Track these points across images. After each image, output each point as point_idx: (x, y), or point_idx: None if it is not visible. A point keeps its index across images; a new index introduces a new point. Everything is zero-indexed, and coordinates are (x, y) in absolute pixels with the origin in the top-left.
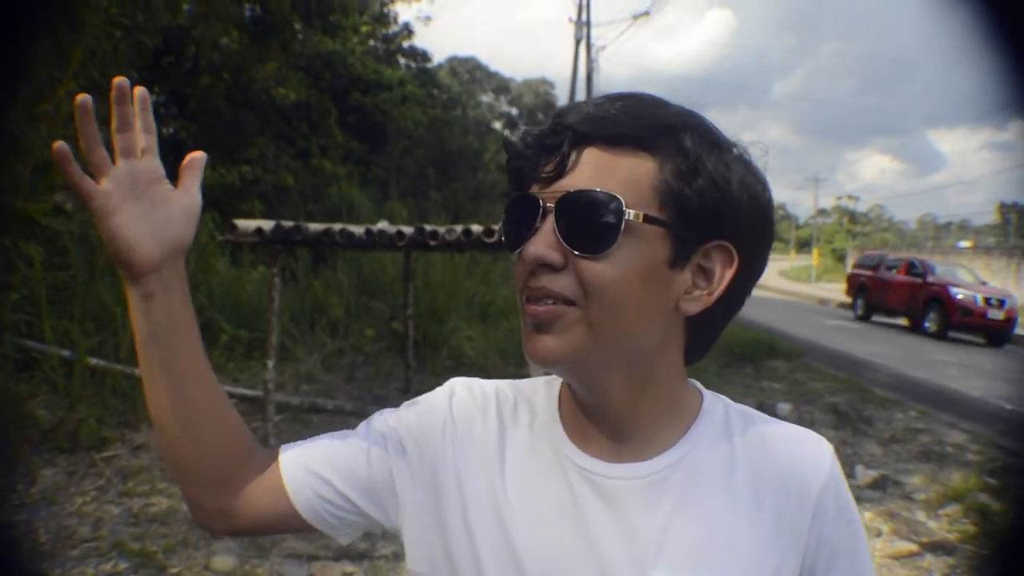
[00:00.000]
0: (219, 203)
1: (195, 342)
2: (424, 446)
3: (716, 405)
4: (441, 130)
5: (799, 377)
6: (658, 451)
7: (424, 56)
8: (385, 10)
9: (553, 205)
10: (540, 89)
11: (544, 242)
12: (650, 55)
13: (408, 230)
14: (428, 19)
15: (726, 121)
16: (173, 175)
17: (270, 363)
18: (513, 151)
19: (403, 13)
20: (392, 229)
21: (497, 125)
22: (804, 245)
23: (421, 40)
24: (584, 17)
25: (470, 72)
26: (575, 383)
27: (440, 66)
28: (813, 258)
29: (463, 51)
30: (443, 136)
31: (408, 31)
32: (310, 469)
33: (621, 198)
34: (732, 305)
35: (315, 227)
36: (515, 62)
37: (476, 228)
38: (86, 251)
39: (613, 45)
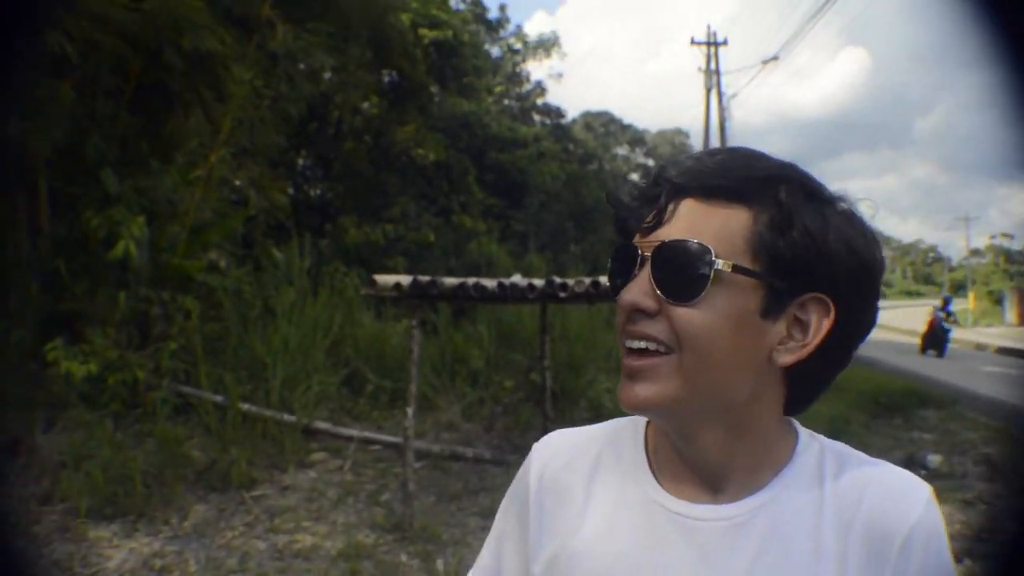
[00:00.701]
0: (364, 260)
1: None
2: (524, 525)
3: (811, 447)
4: (578, 184)
5: (951, 427)
6: (747, 494)
7: (558, 112)
8: (517, 69)
9: (650, 254)
10: (675, 140)
11: (639, 289)
12: (784, 99)
13: (539, 283)
14: (560, 76)
15: (868, 162)
16: (321, 233)
17: (409, 411)
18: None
19: (535, 71)
20: (523, 282)
21: (634, 177)
22: (959, 288)
23: (554, 97)
24: (713, 65)
25: (604, 126)
26: (669, 429)
27: (574, 121)
28: (969, 302)
29: (596, 105)
30: (580, 190)
31: (541, 89)
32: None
33: (711, 248)
34: (835, 359)
35: (450, 281)
36: (649, 114)
37: (604, 280)
38: (239, 305)
39: (744, 92)
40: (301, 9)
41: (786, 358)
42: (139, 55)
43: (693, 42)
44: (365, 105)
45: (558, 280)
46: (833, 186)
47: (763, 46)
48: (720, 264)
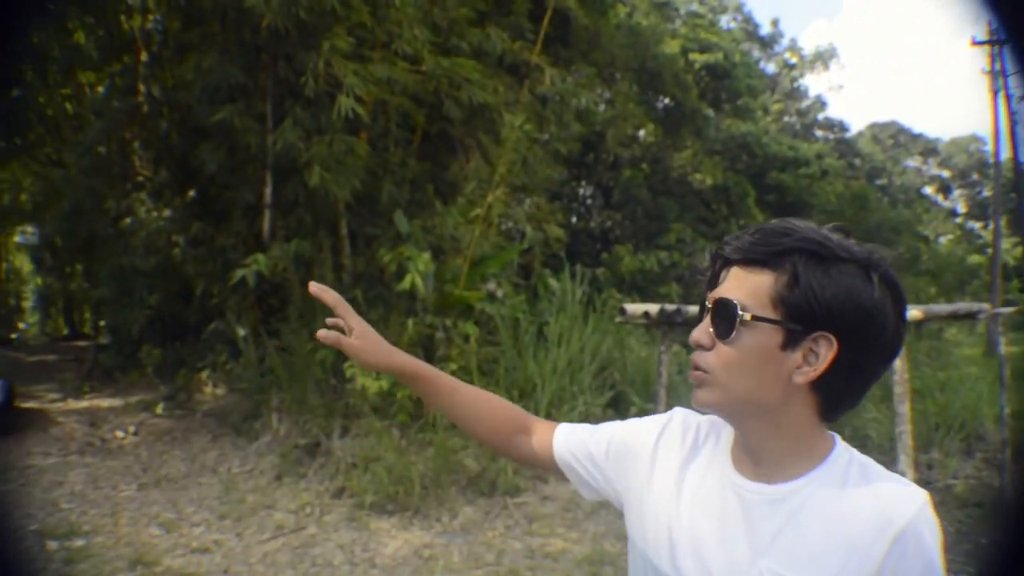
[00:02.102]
0: (639, 287)
1: (438, 389)
2: (638, 454)
3: (843, 455)
4: (862, 201)
5: None
6: (784, 480)
7: (841, 126)
8: (795, 84)
9: (710, 306)
10: (970, 147)
11: (702, 330)
12: None
13: None
14: (840, 87)
15: None
16: (599, 261)
17: None
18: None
19: (814, 85)
20: None
21: (928, 190)
22: None
23: (836, 110)
24: (997, 67)
25: (893, 137)
26: (728, 422)
27: (860, 134)
28: None
29: (882, 116)
30: (864, 207)
31: (820, 103)
32: (570, 447)
33: (738, 303)
34: (854, 379)
35: (694, 309)
36: (940, 121)
37: None
38: (514, 331)
39: None
40: (569, 51)
41: (799, 379)
42: (423, 109)
43: (974, 42)
44: (641, 133)
45: None
46: None
47: None
48: (743, 316)
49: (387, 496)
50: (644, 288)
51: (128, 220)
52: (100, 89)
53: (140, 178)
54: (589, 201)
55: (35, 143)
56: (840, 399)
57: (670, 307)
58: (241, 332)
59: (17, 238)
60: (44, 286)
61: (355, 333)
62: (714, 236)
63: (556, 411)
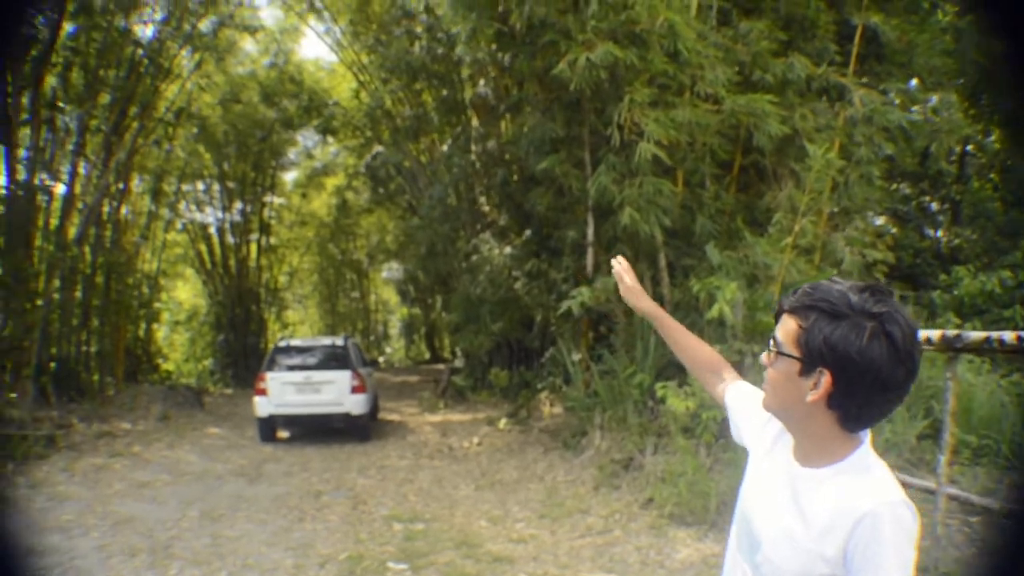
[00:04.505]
0: (979, 310)
1: (669, 329)
2: (764, 426)
3: (861, 459)
4: None
5: None
6: (814, 467)
7: None
8: None
9: (772, 339)
10: None
11: (767, 356)
12: None
13: None
14: None
15: None
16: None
17: (941, 459)
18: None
19: None
20: None
21: None
22: None
23: None
24: None
25: None
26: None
27: None
28: None
29: None
30: None
31: None
32: (735, 400)
33: (776, 340)
34: (858, 403)
35: (976, 335)
36: None
37: None
38: None
39: None
40: (884, 65)
41: (810, 398)
42: (738, 144)
43: None
44: (990, 139)
45: None
46: None
47: None
48: (774, 350)
49: (688, 509)
50: (987, 311)
51: (475, 257)
52: (444, 146)
53: (486, 220)
54: (940, 218)
55: (396, 192)
56: (851, 416)
57: (951, 332)
58: (572, 358)
59: (383, 273)
60: (408, 315)
61: (627, 284)
62: None
63: None
